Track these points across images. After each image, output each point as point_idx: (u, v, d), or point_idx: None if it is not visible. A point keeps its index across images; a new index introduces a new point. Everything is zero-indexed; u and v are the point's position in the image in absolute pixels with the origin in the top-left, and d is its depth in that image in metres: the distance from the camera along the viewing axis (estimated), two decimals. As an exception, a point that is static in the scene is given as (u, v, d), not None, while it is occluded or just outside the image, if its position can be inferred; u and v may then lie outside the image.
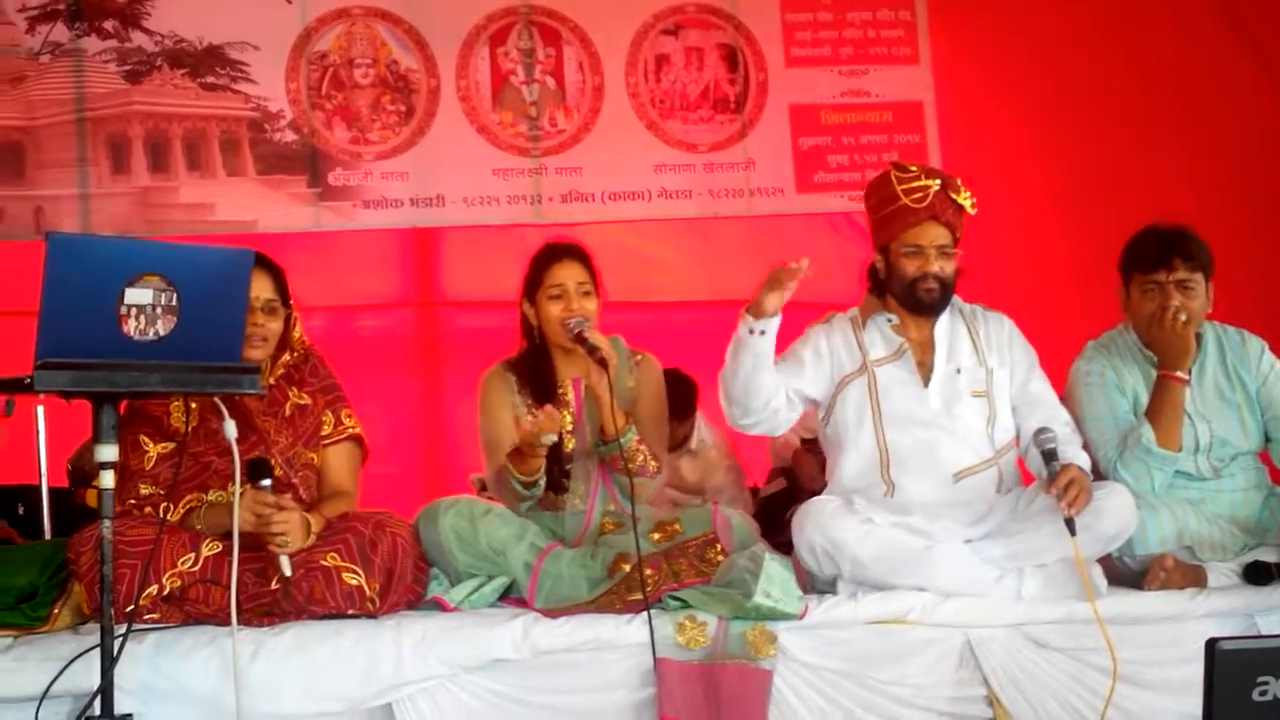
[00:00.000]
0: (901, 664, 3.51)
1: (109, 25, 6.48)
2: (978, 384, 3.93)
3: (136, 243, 3.58)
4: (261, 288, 3.69)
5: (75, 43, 6.43)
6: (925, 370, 3.94)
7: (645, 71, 6.71)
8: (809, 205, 6.77)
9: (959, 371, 3.92)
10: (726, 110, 6.74)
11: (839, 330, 4.04)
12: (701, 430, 5.51)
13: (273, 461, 3.59)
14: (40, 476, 4.86)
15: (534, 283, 3.96)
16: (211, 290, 3.10)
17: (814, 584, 3.75)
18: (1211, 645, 2.55)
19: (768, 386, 3.81)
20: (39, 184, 6.41)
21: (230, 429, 3.21)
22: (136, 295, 3.00)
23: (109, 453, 3.08)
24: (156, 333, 3.02)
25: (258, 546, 3.50)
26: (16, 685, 3.20)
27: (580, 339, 3.80)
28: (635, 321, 6.27)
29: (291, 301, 3.87)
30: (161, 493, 3.58)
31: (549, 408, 3.64)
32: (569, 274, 3.92)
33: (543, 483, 3.78)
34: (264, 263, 3.76)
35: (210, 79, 6.53)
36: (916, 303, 3.91)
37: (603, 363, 3.73)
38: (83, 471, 4.84)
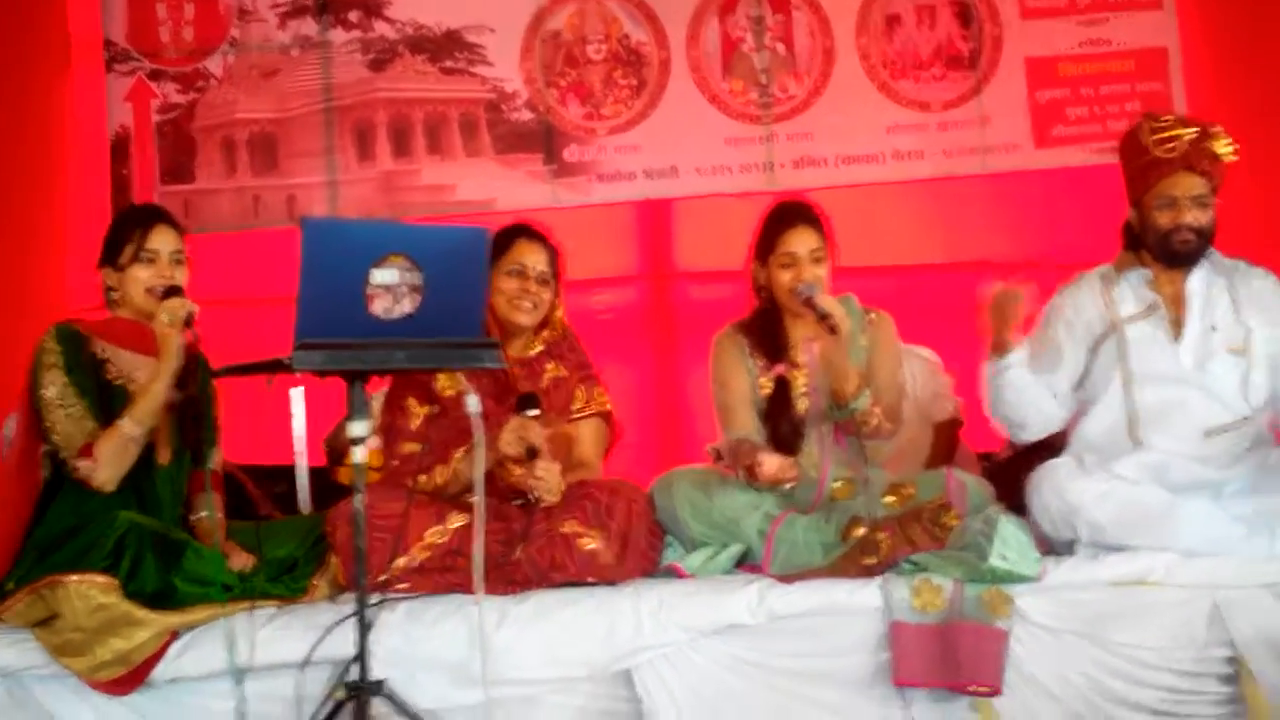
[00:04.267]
0: (1143, 626, 3.43)
1: (353, 16, 6.69)
2: (1234, 341, 3.81)
3: (382, 224, 3.76)
4: (537, 259, 3.91)
5: (323, 35, 6.67)
6: (1178, 327, 3.83)
7: (876, 32, 6.64)
8: (1048, 161, 6.60)
9: (1214, 328, 3.80)
10: (960, 67, 6.62)
11: (1086, 290, 3.96)
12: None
13: (538, 397, 3.69)
14: (298, 455, 5.07)
15: (765, 246, 3.97)
16: (452, 268, 3.20)
17: (1052, 547, 3.69)
18: None
19: (1036, 402, 3.84)
20: (291, 173, 6.68)
21: (472, 404, 3.33)
22: (383, 275, 3.12)
23: (360, 428, 3.23)
24: (402, 311, 3.14)
25: (502, 516, 3.63)
26: (280, 652, 3.37)
27: (810, 305, 3.80)
28: (871, 286, 6.21)
29: (562, 276, 3.98)
30: (423, 449, 3.73)
31: (789, 460, 3.68)
32: (801, 241, 3.92)
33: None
34: (541, 237, 3.99)
35: (449, 63, 6.70)
36: (1171, 254, 3.81)
37: (834, 329, 3.72)
38: (338, 450, 5.05)
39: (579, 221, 6.74)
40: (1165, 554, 3.50)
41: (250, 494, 4.98)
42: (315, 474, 5.25)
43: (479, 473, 3.35)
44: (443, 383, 3.79)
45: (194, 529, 3.71)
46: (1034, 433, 3.92)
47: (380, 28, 6.67)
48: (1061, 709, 3.44)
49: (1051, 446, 4.01)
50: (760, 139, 6.63)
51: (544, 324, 3.98)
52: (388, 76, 6.68)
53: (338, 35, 6.66)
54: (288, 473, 5.20)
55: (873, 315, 4.04)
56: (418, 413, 3.81)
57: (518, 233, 3.94)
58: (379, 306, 3.11)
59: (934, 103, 6.60)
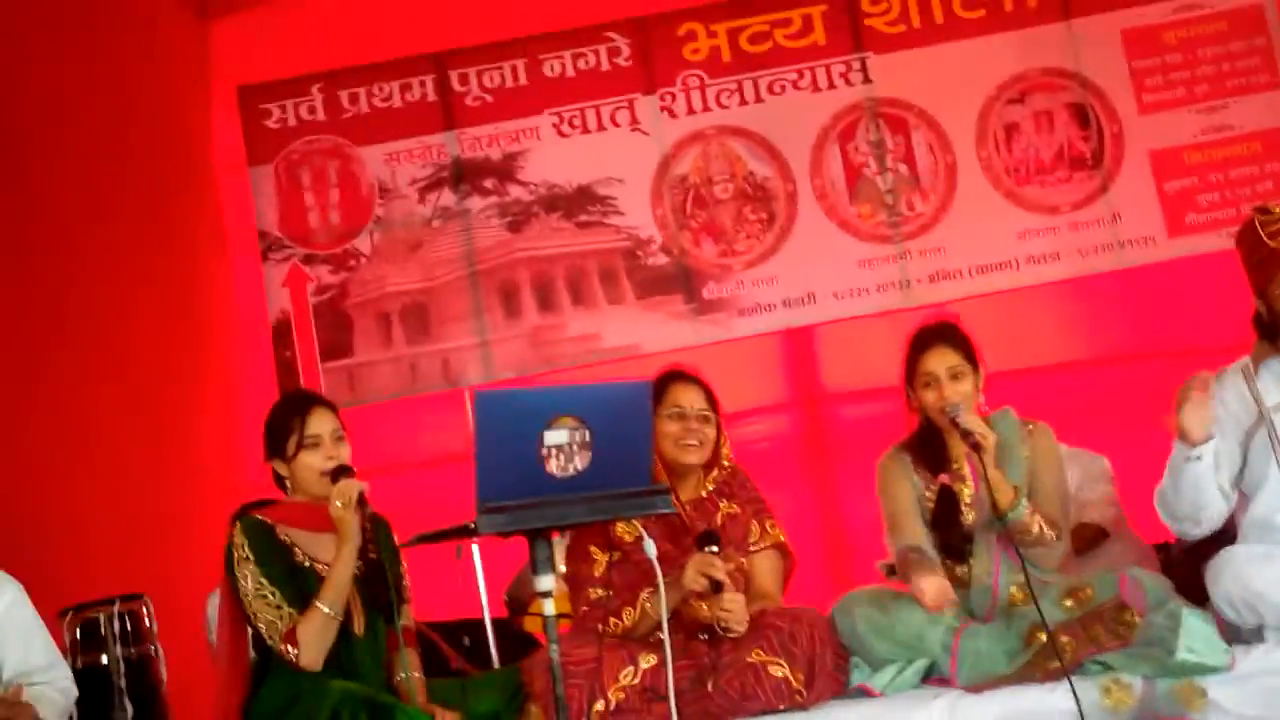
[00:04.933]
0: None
1: (488, 183, 7.00)
2: None
3: (550, 391, 3.91)
4: (694, 399, 4.08)
5: (461, 204, 6.97)
6: None
7: (996, 143, 6.77)
8: (1184, 249, 6.65)
9: None
10: (1084, 168, 6.72)
11: (1230, 386, 3.99)
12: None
13: (717, 533, 3.83)
14: (483, 610, 5.25)
15: (909, 371, 4.10)
16: (618, 423, 3.35)
17: (1239, 635, 3.70)
18: None
19: (1214, 499, 3.85)
20: (443, 338, 6.95)
21: (650, 548, 3.48)
22: (555, 437, 3.28)
23: (547, 583, 3.36)
24: (575, 468, 3.30)
25: (690, 653, 3.75)
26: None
27: (954, 424, 3.91)
28: (1019, 389, 6.28)
29: (721, 413, 4.14)
30: (609, 594, 3.90)
31: (945, 585, 3.78)
32: (939, 360, 4.03)
33: None
34: (694, 379, 4.17)
35: (583, 217, 6.95)
36: None
37: (976, 447, 3.83)
38: (519, 600, 5.21)
39: (724, 356, 6.93)
40: (1352, 636, 3.51)
41: (442, 651, 5.17)
42: (499, 625, 5.42)
43: (664, 611, 3.48)
44: (621, 530, 3.95)
45: (396, 691, 3.86)
46: (1206, 529, 3.93)
47: (515, 191, 6.96)
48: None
49: (1221, 536, 4.03)
50: (893, 258, 6.77)
51: (713, 464, 4.12)
52: (526, 236, 6.95)
53: (475, 202, 6.96)
54: (469, 627, 5.37)
55: (1031, 426, 4.11)
56: (600, 560, 3.97)
57: (672, 377, 4.11)
58: (553, 465, 3.27)
59: (1062, 204, 6.70)
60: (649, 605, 3.78)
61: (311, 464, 3.83)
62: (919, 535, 4.01)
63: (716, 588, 3.70)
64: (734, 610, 3.71)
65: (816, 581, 6.26)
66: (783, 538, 4.12)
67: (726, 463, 4.18)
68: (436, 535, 3.49)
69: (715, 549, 3.73)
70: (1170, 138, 6.68)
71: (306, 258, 7.00)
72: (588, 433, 3.31)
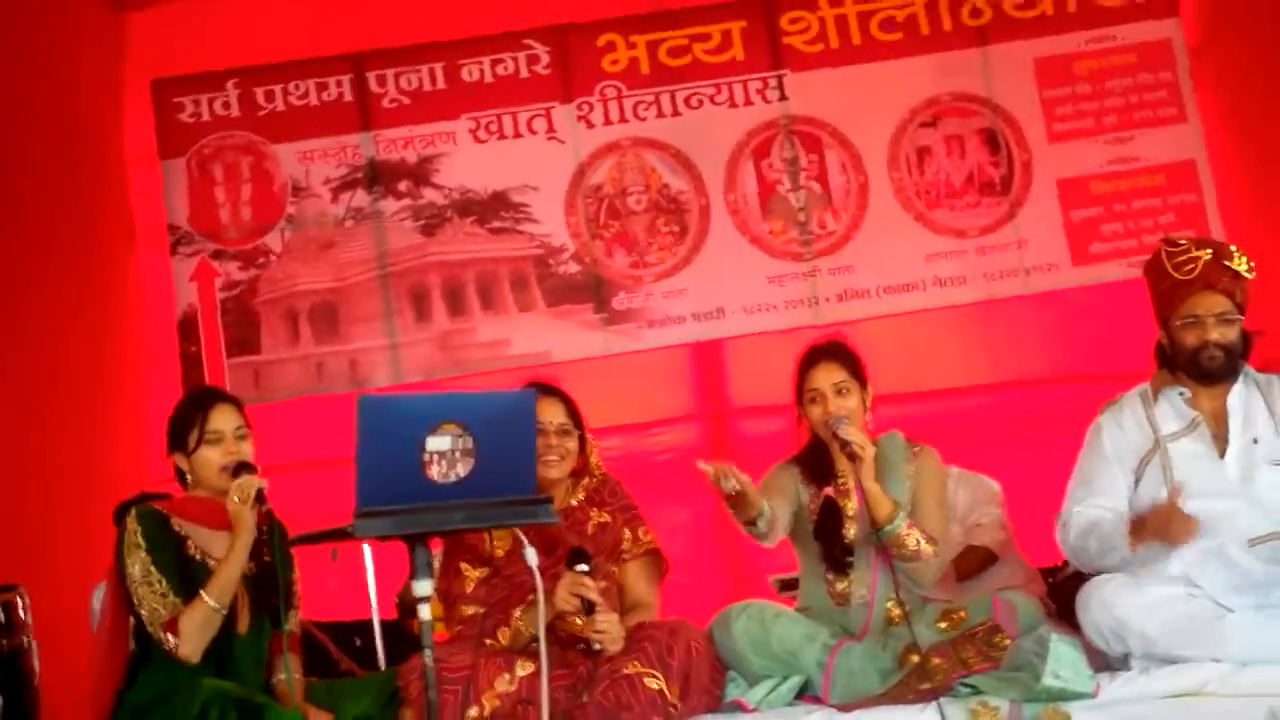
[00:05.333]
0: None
1: (403, 186, 6.98)
2: (1276, 453, 3.90)
3: (434, 397, 3.92)
4: (554, 413, 4.05)
5: (374, 205, 6.95)
6: (1220, 442, 3.93)
7: (908, 165, 6.85)
8: (1087, 277, 6.75)
9: (1256, 441, 3.90)
10: (993, 193, 6.81)
11: (1128, 410, 4.06)
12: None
13: (588, 551, 3.83)
14: (371, 611, 5.23)
15: (799, 386, 4.14)
16: (502, 431, 3.36)
17: (1107, 662, 3.76)
18: None
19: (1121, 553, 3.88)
20: (351, 339, 6.93)
21: (530, 556, 3.49)
22: (437, 443, 3.29)
23: (424, 588, 3.37)
24: (457, 474, 3.30)
25: (567, 662, 3.76)
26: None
27: (834, 436, 3.96)
28: (921, 412, 6.37)
29: (584, 425, 4.14)
30: (483, 611, 3.88)
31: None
32: (824, 376, 4.09)
33: (763, 520, 3.90)
34: (555, 391, 4.14)
35: (497, 223, 6.96)
36: (1201, 372, 3.92)
37: (852, 456, 3.90)
38: (409, 604, 5.19)
39: (634, 367, 6.97)
40: (1219, 664, 3.57)
41: (329, 651, 5.15)
42: (389, 627, 5.40)
43: (540, 621, 3.50)
44: (492, 545, 3.95)
45: (274, 691, 3.85)
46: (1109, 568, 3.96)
47: (429, 194, 6.95)
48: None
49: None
50: (803, 275, 6.82)
51: (581, 473, 4.13)
52: (439, 240, 6.95)
53: (389, 204, 6.94)
54: (362, 628, 5.36)
55: (917, 448, 4.17)
56: (471, 576, 3.98)
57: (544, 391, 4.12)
58: (434, 472, 3.27)
59: (970, 229, 6.78)
60: (522, 624, 3.79)
61: (211, 459, 3.82)
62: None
63: (589, 608, 3.72)
64: (608, 631, 3.72)
65: (712, 595, 6.29)
66: (655, 544, 4.13)
67: (596, 472, 4.19)
68: (314, 536, 3.50)
69: (585, 568, 3.74)
70: (1077, 167, 6.78)
71: (216, 253, 6.95)
72: (470, 440, 3.32)
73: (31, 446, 5.79)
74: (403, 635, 5.29)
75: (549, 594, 3.68)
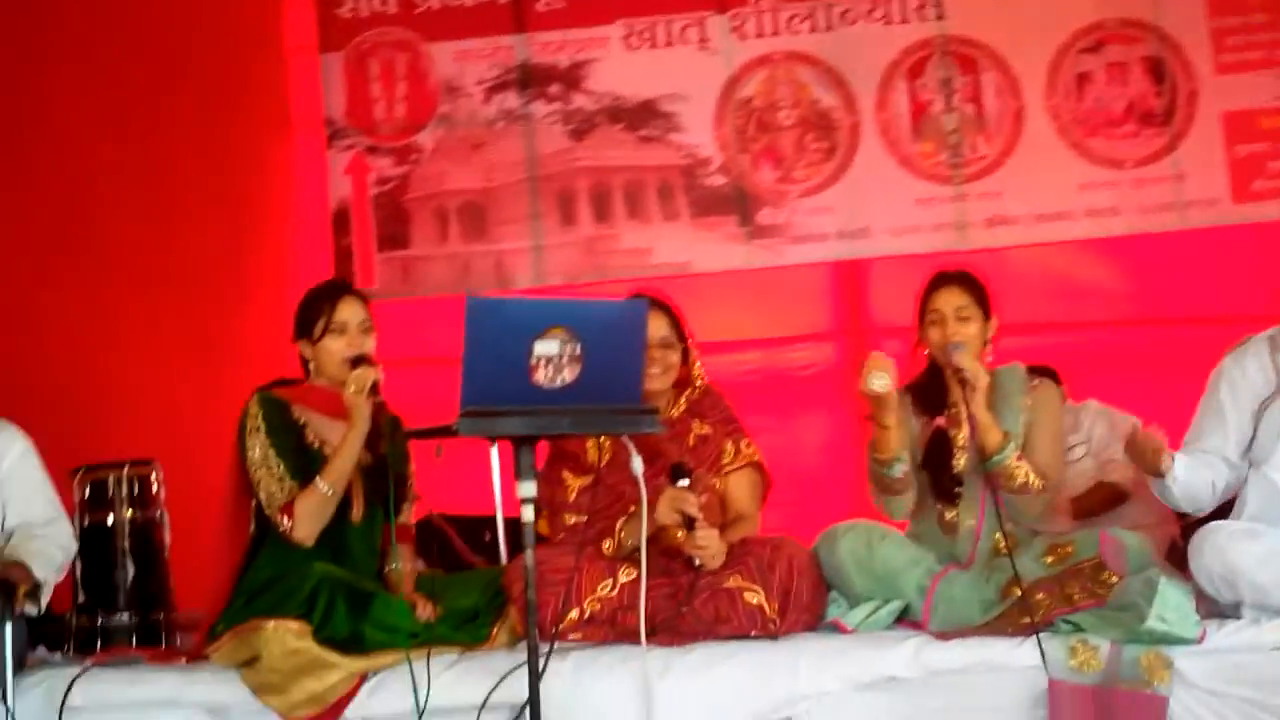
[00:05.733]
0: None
1: (554, 90, 7.00)
2: None
3: (543, 302, 3.94)
4: (656, 325, 4.05)
5: (525, 108, 6.99)
6: None
7: (1066, 91, 6.66)
8: (1247, 215, 6.52)
9: None
10: (1153, 124, 6.60)
11: (1252, 355, 3.94)
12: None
13: (689, 466, 3.85)
14: (496, 508, 5.32)
15: (920, 309, 4.11)
16: (611, 339, 3.38)
17: (1218, 610, 3.69)
18: None
19: (1203, 485, 3.85)
20: (498, 239, 7.01)
21: (637, 464, 3.52)
22: (545, 348, 3.31)
23: (528, 489, 3.43)
24: (563, 380, 3.33)
25: (669, 572, 3.80)
26: (459, 696, 3.59)
27: (949, 362, 3.93)
28: (1065, 344, 6.27)
29: (689, 337, 4.15)
30: (585, 519, 3.94)
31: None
32: (947, 300, 4.04)
33: (901, 465, 3.91)
34: (658, 303, 4.14)
35: (645, 131, 6.95)
36: None
37: (965, 384, 3.85)
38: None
39: (774, 282, 6.95)
40: (1329, 621, 3.49)
41: (454, 544, 5.27)
42: (514, 525, 5.50)
43: (643, 531, 3.53)
44: (592, 454, 3.98)
45: (387, 580, 3.96)
46: (1209, 507, 3.95)
47: (579, 100, 6.96)
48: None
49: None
50: (951, 199, 6.71)
51: (684, 384, 4.14)
52: (587, 145, 6.96)
53: (539, 108, 6.97)
54: (493, 523, 5.46)
55: (1035, 381, 4.11)
56: (573, 484, 4.02)
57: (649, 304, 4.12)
58: (541, 376, 3.31)
59: (1127, 160, 6.59)
60: (624, 534, 3.83)
61: (334, 349, 3.91)
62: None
63: (690, 524, 3.74)
64: (708, 546, 3.73)
65: (844, 513, 6.30)
66: (758, 456, 4.13)
67: (699, 384, 4.19)
68: (423, 432, 3.58)
69: (687, 483, 3.75)
70: (1245, 100, 6.53)
71: (370, 148, 7.06)
72: (579, 346, 3.34)
73: (180, 330, 6.01)
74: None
75: (651, 505, 3.71)
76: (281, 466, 3.80)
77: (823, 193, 6.81)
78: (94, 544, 4.17)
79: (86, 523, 4.18)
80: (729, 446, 4.12)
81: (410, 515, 4.16)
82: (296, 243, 7.09)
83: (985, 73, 6.71)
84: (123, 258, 6.06)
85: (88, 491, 4.19)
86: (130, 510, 4.19)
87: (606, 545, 3.88)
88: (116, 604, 4.15)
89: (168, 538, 4.26)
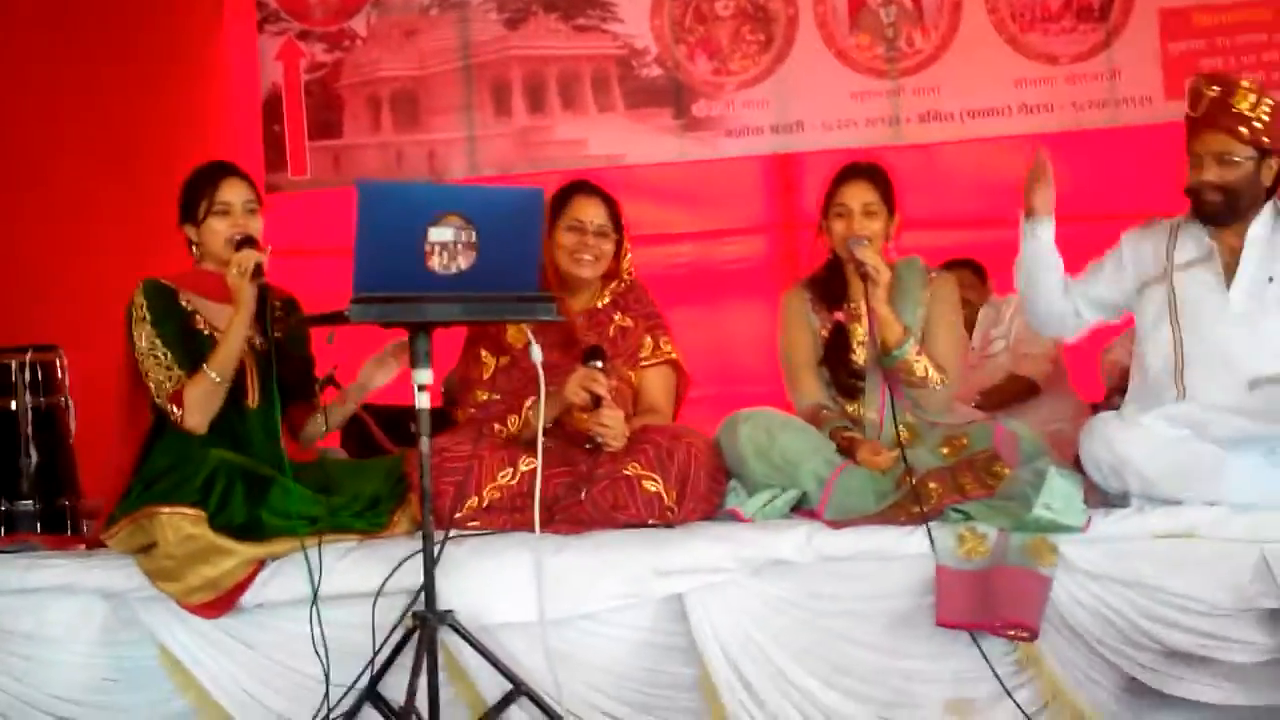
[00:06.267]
0: (1187, 577, 3.44)
1: (490, -24, 6.91)
2: None
3: (436, 187, 3.92)
4: (594, 213, 4.05)
5: (460, -5, 6.90)
6: (1233, 275, 3.83)
7: (1005, -17, 6.62)
8: (1180, 113, 6.47)
9: (1271, 280, 3.79)
10: (1090, 19, 6.57)
11: (1151, 235, 4.01)
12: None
13: (604, 351, 3.87)
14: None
15: (826, 200, 4.09)
16: (507, 227, 3.38)
17: (1106, 500, 3.73)
18: None
19: (1049, 287, 3.97)
20: (431, 128, 6.96)
21: (535, 353, 3.54)
22: (439, 234, 3.30)
23: (424, 376, 3.43)
24: (458, 267, 3.33)
25: (569, 460, 3.82)
26: (355, 583, 3.60)
27: (851, 256, 3.92)
28: (993, 240, 6.26)
29: (624, 229, 4.14)
30: (496, 397, 3.96)
31: (886, 450, 3.82)
32: (854, 194, 4.04)
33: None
34: (597, 191, 4.13)
35: (581, 20, 6.89)
36: (1197, 211, 3.84)
37: (866, 278, 3.86)
38: (451, 391, 5.28)
39: (709, 174, 6.92)
40: (1213, 509, 3.53)
41: (374, 434, 5.25)
42: (437, 414, 5.50)
43: (540, 417, 3.55)
44: (512, 335, 3.98)
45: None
46: (1041, 322, 4.10)
47: (516, -14, 6.88)
48: (1101, 653, 3.52)
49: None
50: (886, 93, 6.69)
51: (612, 276, 4.13)
52: (522, 34, 6.90)
53: (475, -7, 6.88)
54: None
55: (934, 274, 4.13)
56: (489, 363, 4.02)
57: (575, 189, 4.10)
58: (435, 263, 3.30)
59: (1063, 56, 6.57)
60: (531, 414, 3.82)
61: (218, 230, 3.85)
62: (817, 391, 4.09)
63: (597, 403, 3.75)
64: (611, 427, 3.75)
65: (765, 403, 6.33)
66: (676, 355, 4.13)
67: (627, 277, 4.17)
68: (315, 319, 3.57)
69: (599, 364, 3.77)
70: (1181, -4, 6.50)
71: (302, 34, 6.99)
72: (474, 233, 3.33)
73: (104, 212, 5.94)
74: (448, 421, 5.38)
75: (560, 390, 3.73)
76: (169, 355, 3.76)
77: (758, 85, 6.78)
78: (-3, 430, 4.14)
79: (-11, 408, 4.14)
80: (648, 341, 4.11)
81: (320, 398, 4.14)
82: (227, 129, 7.00)
83: (924, -37, 6.65)
84: (50, 143, 5.99)
85: (-12, 377, 4.14)
86: (33, 396, 4.14)
87: (512, 422, 3.89)
88: (20, 490, 4.12)
89: (73, 425, 4.21)
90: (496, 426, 3.90)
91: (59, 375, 4.21)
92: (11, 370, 4.13)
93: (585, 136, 6.91)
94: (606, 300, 4.12)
